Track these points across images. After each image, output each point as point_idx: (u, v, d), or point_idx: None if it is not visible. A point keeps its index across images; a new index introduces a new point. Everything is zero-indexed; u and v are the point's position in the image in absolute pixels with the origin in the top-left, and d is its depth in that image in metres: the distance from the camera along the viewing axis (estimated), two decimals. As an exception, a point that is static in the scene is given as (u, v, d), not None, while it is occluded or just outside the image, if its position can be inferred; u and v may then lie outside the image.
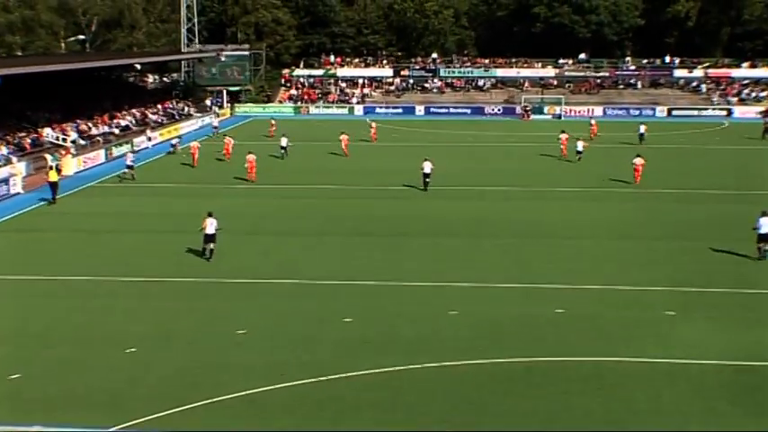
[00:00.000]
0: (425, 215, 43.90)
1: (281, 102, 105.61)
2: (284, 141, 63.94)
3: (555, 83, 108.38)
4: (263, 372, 23.47)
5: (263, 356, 24.77)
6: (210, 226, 35.04)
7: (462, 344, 25.66)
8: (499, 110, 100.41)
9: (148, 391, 22.36)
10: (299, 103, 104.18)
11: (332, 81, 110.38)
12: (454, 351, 24.95)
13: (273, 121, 79.73)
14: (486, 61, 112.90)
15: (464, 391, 22.30)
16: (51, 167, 50.17)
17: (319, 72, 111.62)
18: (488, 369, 23.77)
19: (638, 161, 53.58)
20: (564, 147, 63.59)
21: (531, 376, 23.26)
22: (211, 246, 35.17)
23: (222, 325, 27.39)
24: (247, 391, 22.13)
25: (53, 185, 47.40)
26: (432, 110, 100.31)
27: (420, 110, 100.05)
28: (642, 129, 72.06)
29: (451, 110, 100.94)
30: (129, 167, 55.35)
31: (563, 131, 65.59)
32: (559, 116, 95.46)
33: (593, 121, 78.35)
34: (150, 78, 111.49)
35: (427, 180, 50.44)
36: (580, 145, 62.53)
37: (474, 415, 20.98)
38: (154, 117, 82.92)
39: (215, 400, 21.64)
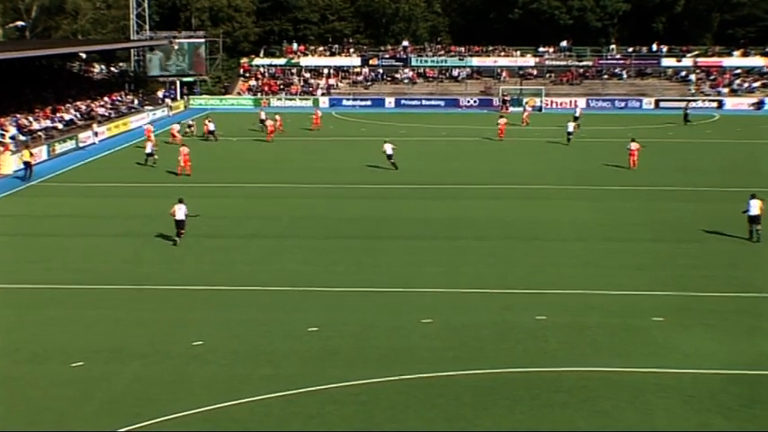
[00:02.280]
0: (398, 216, 43.93)
1: (239, 93, 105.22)
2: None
3: (535, 73, 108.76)
4: (222, 387, 23.36)
5: (221, 370, 24.65)
6: (179, 212, 37.69)
7: (437, 354, 25.69)
8: (475, 102, 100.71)
9: (97, 408, 22.16)
10: (260, 94, 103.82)
11: (295, 71, 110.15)
12: (428, 362, 24.98)
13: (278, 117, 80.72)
14: (461, 50, 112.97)
15: (439, 404, 22.30)
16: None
17: (281, 61, 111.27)
18: (465, 381, 23.80)
19: (634, 146, 56.72)
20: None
21: (511, 388, 23.31)
22: (182, 231, 38.01)
23: (178, 336, 27.23)
24: (205, 408, 22.00)
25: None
26: (403, 102, 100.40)
27: (390, 102, 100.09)
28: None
29: (424, 102, 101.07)
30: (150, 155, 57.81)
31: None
32: (540, 108, 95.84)
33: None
34: (97, 68, 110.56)
35: (392, 161, 55.24)
36: (570, 126, 67.01)
37: (450, 430, 20.99)
38: (101, 110, 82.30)
39: (169, 417, 21.50)
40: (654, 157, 61.31)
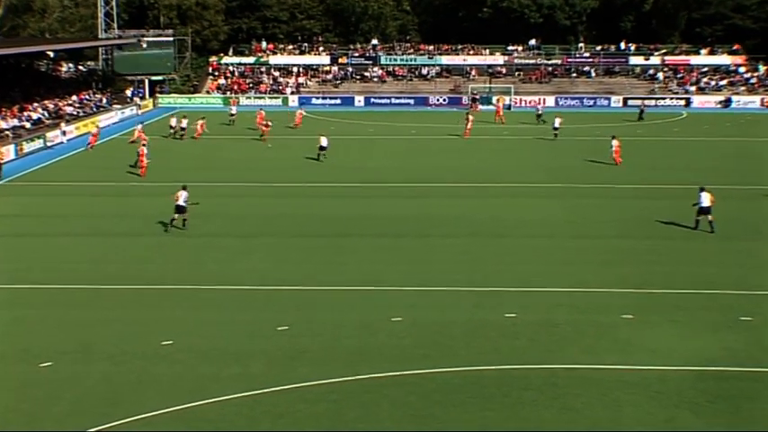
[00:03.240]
0: (367, 214, 43.94)
1: (208, 92, 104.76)
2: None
3: (504, 71, 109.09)
4: (191, 386, 23.29)
5: (190, 369, 24.58)
6: (181, 198, 39.86)
7: (407, 352, 25.73)
8: (445, 100, 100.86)
9: (66, 409, 22.05)
10: (229, 93, 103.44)
11: (264, 70, 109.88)
12: (398, 360, 25.02)
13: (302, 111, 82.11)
14: (431, 48, 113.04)
15: (409, 402, 22.34)
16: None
17: (250, 60, 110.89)
18: (435, 379, 23.86)
19: (615, 143, 58.73)
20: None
21: (481, 386, 23.38)
22: (184, 216, 40.13)
23: (146, 336, 27.10)
24: (174, 408, 21.94)
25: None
26: (372, 100, 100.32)
27: (359, 100, 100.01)
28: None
29: (393, 100, 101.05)
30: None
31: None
32: (509, 106, 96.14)
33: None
34: (64, 67, 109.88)
35: (322, 153, 58.00)
36: (557, 121, 69.69)
37: (421, 428, 21.04)
38: (69, 109, 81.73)
39: (138, 417, 21.42)
40: (622, 155, 61.66)
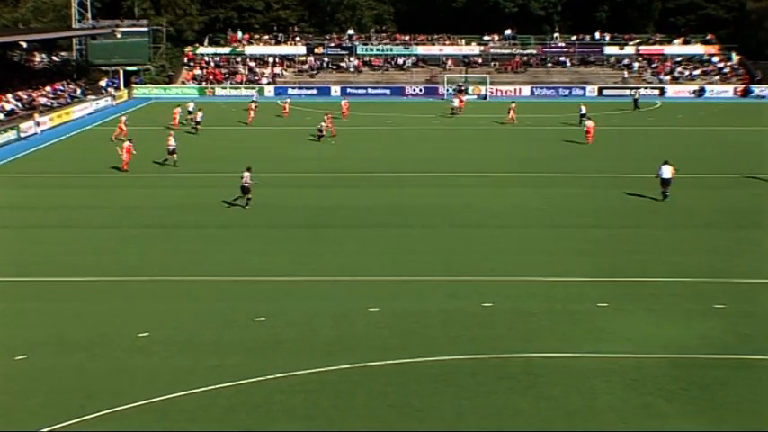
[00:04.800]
0: (343, 204, 43.91)
1: (183, 83, 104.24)
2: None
3: (480, 61, 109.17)
4: (168, 378, 23.22)
5: (166, 361, 24.50)
6: (246, 178, 42.25)
7: (384, 342, 25.76)
8: (421, 90, 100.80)
9: (42, 402, 21.92)
10: (204, 83, 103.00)
11: (240, 60, 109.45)
12: (375, 350, 25.04)
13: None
14: (407, 38, 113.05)
15: (386, 392, 22.38)
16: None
17: (226, 50, 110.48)
18: (412, 369, 23.90)
19: (590, 123, 62.54)
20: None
21: (457, 375, 23.44)
22: (248, 195, 42.40)
23: (122, 328, 26.98)
24: (150, 400, 21.86)
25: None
26: (348, 90, 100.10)
27: (336, 90, 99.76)
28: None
29: (369, 90, 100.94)
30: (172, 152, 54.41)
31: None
32: (485, 96, 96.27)
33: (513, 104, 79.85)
34: (38, 57, 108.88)
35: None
36: (583, 109, 72.60)
37: (398, 417, 21.08)
38: (43, 100, 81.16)
39: (115, 409, 21.32)
40: (597, 145, 61.97)
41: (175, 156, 53.39)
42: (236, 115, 78.00)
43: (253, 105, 76.93)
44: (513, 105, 76.69)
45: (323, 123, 65.33)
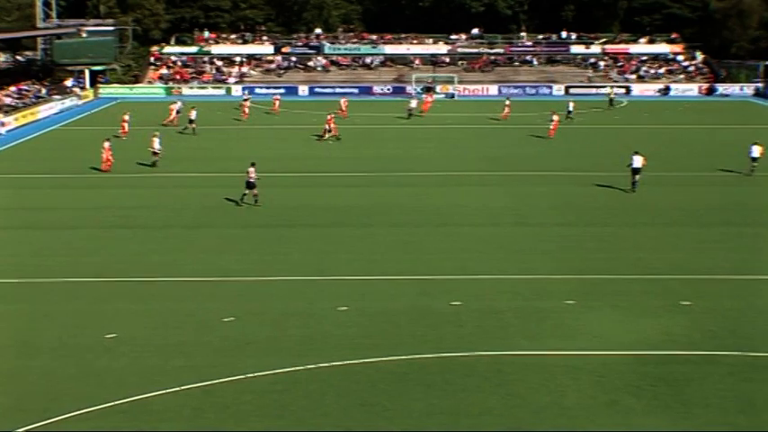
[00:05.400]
0: (311, 204, 43.84)
1: (150, 82, 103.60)
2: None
3: (447, 60, 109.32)
4: (136, 379, 23.09)
5: (135, 362, 24.36)
6: (252, 174, 42.74)
7: (353, 341, 25.77)
8: (389, 89, 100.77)
9: (7, 405, 21.74)
10: (171, 83, 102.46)
11: (207, 59, 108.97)
12: (344, 349, 25.04)
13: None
14: (374, 37, 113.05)
15: (356, 391, 22.39)
16: None
17: (192, 49, 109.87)
18: (381, 367, 23.93)
19: (555, 118, 65.44)
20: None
21: (426, 374, 23.49)
22: (254, 191, 42.86)
23: (90, 329, 26.81)
24: (117, 401, 21.72)
25: None
26: (316, 90, 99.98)
27: (303, 90, 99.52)
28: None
29: (338, 89, 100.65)
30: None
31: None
32: (452, 95, 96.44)
33: (507, 101, 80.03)
34: (2, 57, 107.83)
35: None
36: (614, 94, 79.10)
37: (367, 416, 21.10)
38: (7, 100, 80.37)
39: (82, 411, 21.18)
40: (564, 143, 62.32)
41: (157, 157, 52.86)
42: (215, 115, 77.62)
43: (247, 102, 78.22)
44: (508, 102, 77.98)
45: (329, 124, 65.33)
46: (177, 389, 22.48)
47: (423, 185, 48.51)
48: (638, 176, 46.05)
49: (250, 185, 42.99)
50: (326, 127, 64.89)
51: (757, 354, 24.82)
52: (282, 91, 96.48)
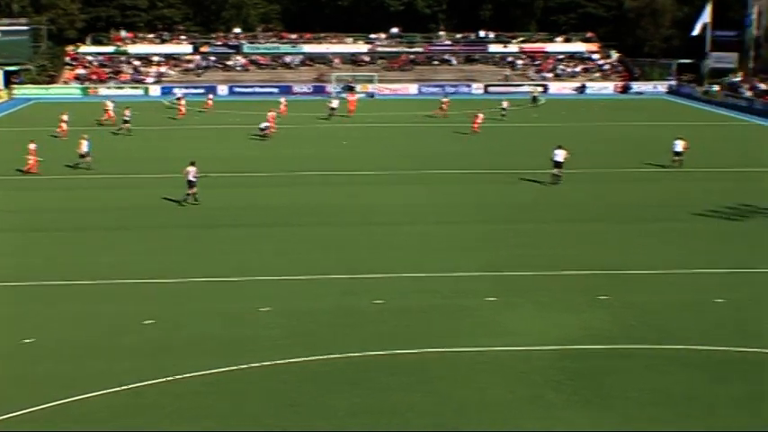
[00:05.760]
0: (230, 204, 43.57)
1: (66, 82, 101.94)
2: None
3: (367, 59, 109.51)
4: (55, 384, 22.63)
5: (54, 367, 23.89)
6: (191, 173, 42.50)
7: (277, 342, 25.63)
8: (309, 88, 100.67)
9: None
10: (87, 83, 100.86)
11: (124, 59, 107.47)
12: (267, 350, 24.89)
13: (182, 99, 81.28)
14: (294, 36, 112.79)
15: (281, 391, 22.27)
16: None
17: (109, 49, 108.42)
18: (305, 367, 23.82)
19: (481, 116, 67.50)
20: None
21: (350, 373, 23.48)
22: (194, 190, 42.56)
23: (6, 334, 26.22)
24: (36, 407, 21.25)
25: None
26: (235, 89, 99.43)
27: (223, 89, 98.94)
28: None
29: (257, 89, 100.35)
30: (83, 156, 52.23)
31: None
32: (372, 95, 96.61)
33: (445, 99, 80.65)
34: None
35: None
36: (537, 92, 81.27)
37: (292, 417, 20.98)
38: None
39: (0, 419, 20.76)
40: (484, 141, 62.91)
41: (89, 159, 51.87)
42: (149, 115, 76.59)
43: (183, 101, 78.99)
44: (446, 100, 78.84)
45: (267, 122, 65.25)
46: (98, 393, 22.09)
47: (346, 184, 48.52)
48: (560, 170, 47.27)
49: (191, 184, 42.72)
50: (267, 125, 64.99)
51: (673, 347, 25.30)
52: (201, 91, 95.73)
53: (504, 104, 77.85)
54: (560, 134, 65.86)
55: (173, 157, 55.54)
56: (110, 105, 72.96)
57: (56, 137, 62.14)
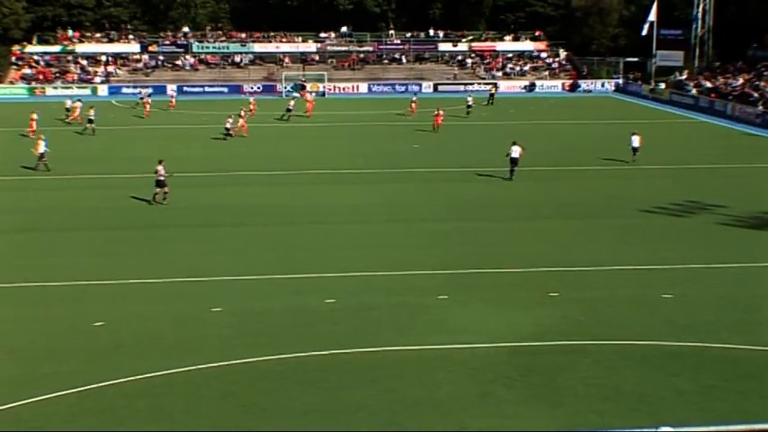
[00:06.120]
0: (180, 205, 43.22)
1: (12, 82, 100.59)
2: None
3: (317, 58, 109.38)
4: (2, 388, 22.33)
5: (2, 371, 23.59)
6: (161, 172, 42.52)
7: (229, 342, 25.56)
8: (259, 88, 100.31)
9: None
10: (34, 83, 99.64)
11: (71, 58, 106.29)
12: (220, 351, 24.81)
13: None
14: (243, 35, 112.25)
15: (233, 392, 22.22)
16: None
17: (56, 48, 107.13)
18: (258, 367, 23.81)
19: (441, 112, 68.26)
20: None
21: (303, 372, 23.48)
22: (165, 189, 42.52)
23: (-47, 338, 25.94)
24: (-14, 411, 21.11)
25: None
26: (185, 89, 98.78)
27: (172, 89, 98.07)
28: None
29: (207, 89, 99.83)
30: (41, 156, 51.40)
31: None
32: (323, 94, 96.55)
33: (414, 98, 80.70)
34: None
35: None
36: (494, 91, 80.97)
37: (245, 417, 20.97)
38: None
39: (-53, 424, 20.52)
40: (434, 140, 63.16)
41: (45, 159, 51.22)
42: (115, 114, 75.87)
43: (149, 99, 79.94)
44: (415, 99, 78.94)
45: (230, 120, 64.74)
46: (47, 396, 21.89)
47: (294, 184, 48.46)
48: (516, 167, 47.99)
49: (160, 184, 42.64)
50: (229, 126, 64.81)
51: (622, 342, 25.62)
52: (150, 91, 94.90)
53: (470, 100, 79.02)
54: (509, 132, 66.37)
55: (131, 157, 55.38)
56: (77, 105, 72.83)
57: (25, 136, 61.66)
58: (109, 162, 54.42)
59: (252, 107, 76.33)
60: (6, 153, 54.85)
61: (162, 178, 42.52)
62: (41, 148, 51.20)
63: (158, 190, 42.74)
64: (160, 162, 42.96)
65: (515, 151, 48.15)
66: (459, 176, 50.17)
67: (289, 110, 76.01)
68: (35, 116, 64.93)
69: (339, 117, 77.06)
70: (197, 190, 46.74)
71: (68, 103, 75.11)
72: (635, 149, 53.46)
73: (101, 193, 45.64)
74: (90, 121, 66.59)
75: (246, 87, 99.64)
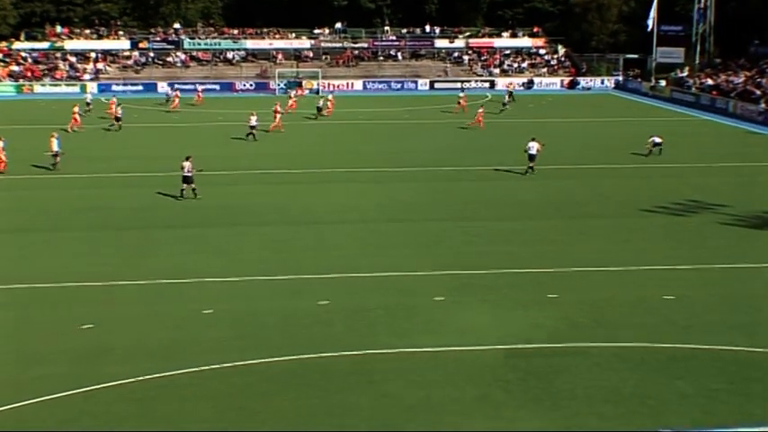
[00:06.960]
0: (172, 204, 43.25)
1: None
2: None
3: (311, 55, 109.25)
4: (-8, 391, 22.42)
5: (-10, 374, 23.65)
6: (186, 168, 43.24)
7: (223, 344, 25.56)
8: (251, 85, 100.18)
9: None
10: (22, 80, 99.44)
11: (59, 55, 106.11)
12: (214, 353, 24.81)
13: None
14: (235, 32, 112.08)
15: (229, 394, 22.25)
16: None
17: (44, 45, 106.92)
18: (253, 370, 23.82)
19: (480, 110, 69.55)
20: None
21: (298, 375, 23.49)
22: (192, 185, 43.32)
23: (-61, 341, 25.90)
24: (-27, 416, 21.07)
25: None
26: (176, 86, 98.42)
27: (163, 86, 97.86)
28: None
29: (198, 86, 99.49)
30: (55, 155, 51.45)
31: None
32: (317, 91, 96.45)
33: (462, 94, 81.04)
34: None
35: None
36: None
37: (241, 419, 20.99)
38: None
39: (-67, 428, 20.48)
40: (433, 139, 63.04)
41: (57, 159, 51.19)
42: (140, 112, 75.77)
43: (178, 93, 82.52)
44: (462, 95, 79.45)
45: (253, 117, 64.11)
46: (36, 400, 21.85)
47: (290, 183, 48.41)
48: (532, 163, 49.14)
49: (186, 180, 43.30)
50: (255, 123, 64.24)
51: (621, 344, 25.65)
52: (140, 88, 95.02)
53: (507, 98, 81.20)
54: (507, 130, 66.50)
55: (131, 156, 55.19)
56: (113, 100, 74.61)
57: (65, 131, 62.42)
58: (114, 161, 54.23)
59: (291, 104, 77.57)
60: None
61: (189, 174, 43.16)
62: (55, 146, 51.14)
63: (185, 186, 43.38)
64: (187, 158, 43.55)
65: (533, 147, 49.22)
66: (456, 175, 50.08)
67: (319, 108, 75.85)
68: (76, 109, 67.14)
69: (336, 114, 76.74)
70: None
71: (88, 97, 78.10)
72: (656, 144, 55.98)
73: (97, 193, 45.57)
74: (117, 119, 67.90)
75: (239, 85, 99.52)
